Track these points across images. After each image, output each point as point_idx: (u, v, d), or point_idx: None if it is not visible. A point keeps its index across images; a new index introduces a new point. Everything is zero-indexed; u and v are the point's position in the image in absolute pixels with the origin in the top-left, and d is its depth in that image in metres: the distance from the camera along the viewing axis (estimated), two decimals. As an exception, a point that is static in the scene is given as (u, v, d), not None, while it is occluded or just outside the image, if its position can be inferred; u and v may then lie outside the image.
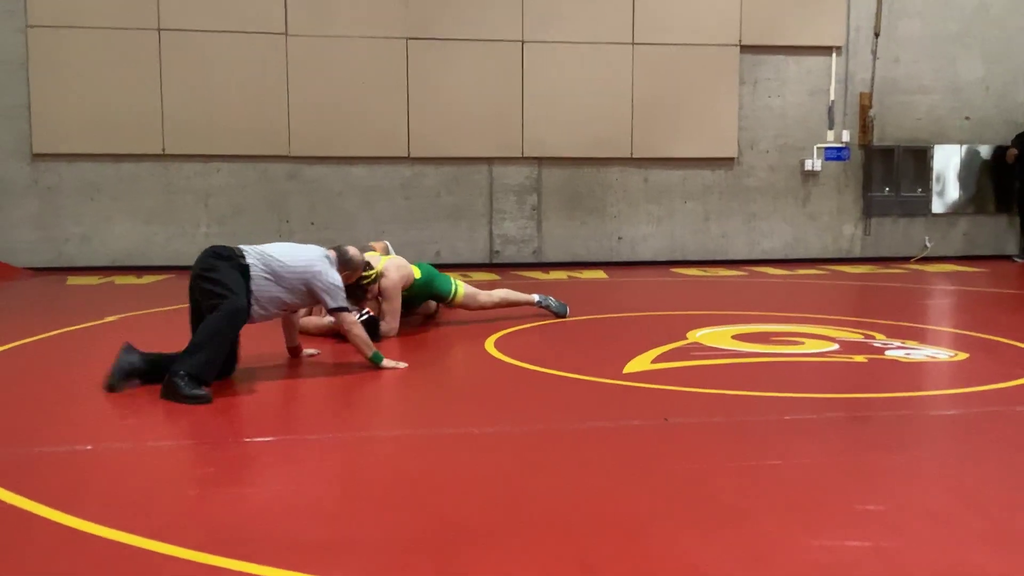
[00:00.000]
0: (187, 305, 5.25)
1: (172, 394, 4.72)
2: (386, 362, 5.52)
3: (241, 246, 5.30)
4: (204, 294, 5.03)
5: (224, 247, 5.24)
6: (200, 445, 4.02)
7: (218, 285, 5.00)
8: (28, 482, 3.43)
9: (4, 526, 3.03)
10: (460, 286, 7.27)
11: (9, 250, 11.96)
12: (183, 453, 3.89)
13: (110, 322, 7.56)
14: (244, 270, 5.13)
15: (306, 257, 5.35)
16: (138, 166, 12.23)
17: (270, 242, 5.57)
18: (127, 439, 4.08)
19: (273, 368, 5.74)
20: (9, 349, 6.27)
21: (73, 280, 10.98)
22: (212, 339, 4.88)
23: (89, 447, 3.94)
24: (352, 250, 5.72)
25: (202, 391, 4.72)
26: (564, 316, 7.65)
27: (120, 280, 11.00)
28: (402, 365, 5.57)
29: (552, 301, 7.73)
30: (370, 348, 5.51)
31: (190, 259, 12.83)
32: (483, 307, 7.42)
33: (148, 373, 5.01)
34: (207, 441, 4.10)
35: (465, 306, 7.32)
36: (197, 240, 12.33)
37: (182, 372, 4.75)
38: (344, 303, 5.42)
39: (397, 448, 4.10)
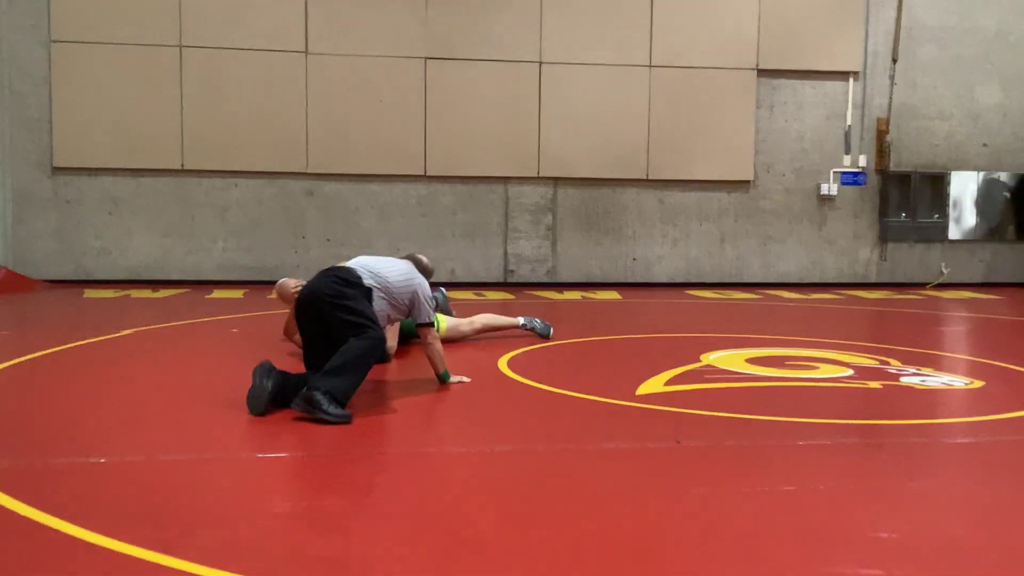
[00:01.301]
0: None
1: (313, 409, 4.58)
2: (452, 378, 5.56)
3: (348, 266, 5.20)
4: (341, 324, 4.91)
5: (344, 269, 5.15)
6: (213, 459, 4.03)
7: (358, 315, 4.93)
8: (42, 494, 3.44)
9: (18, 538, 3.04)
10: (441, 320, 7.12)
11: (28, 261, 12.06)
12: (196, 467, 3.90)
13: (126, 335, 7.60)
14: (368, 294, 5.09)
15: (403, 269, 5.34)
16: (157, 181, 12.32)
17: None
18: (140, 452, 4.09)
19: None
20: (25, 361, 6.31)
21: (90, 293, 11.04)
22: (356, 364, 4.77)
23: (103, 460, 3.95)
24: (425, 259, 5.72)
25: (345, 411, 4.64)
26: (548, 337, 7.61)
27: (137, 293, 11.06)
28: (466, 380, 5.60)
29: (537, 323, 7.69)
30: (443, 364, 5.52)
31: (207, 273, 12.96)
32: (466, 337, 7.38)
33: (280, 395, 4.84)
34: (220, 455, 4.11)
35: (449, 339, 7.18)
36: (214, 255, 12.42)
37: (324, 389, 4.62)
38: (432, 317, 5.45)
39: (406, 466, 4.10)
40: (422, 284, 5.37)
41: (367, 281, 5.12)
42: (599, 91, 12.91)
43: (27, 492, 3.44)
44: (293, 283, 6.70)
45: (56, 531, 3.07)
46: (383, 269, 5.24)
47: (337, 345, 4.90)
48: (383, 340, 4.98)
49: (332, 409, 4.59)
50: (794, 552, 2.99)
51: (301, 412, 4.63)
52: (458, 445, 4.30)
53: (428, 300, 5.37)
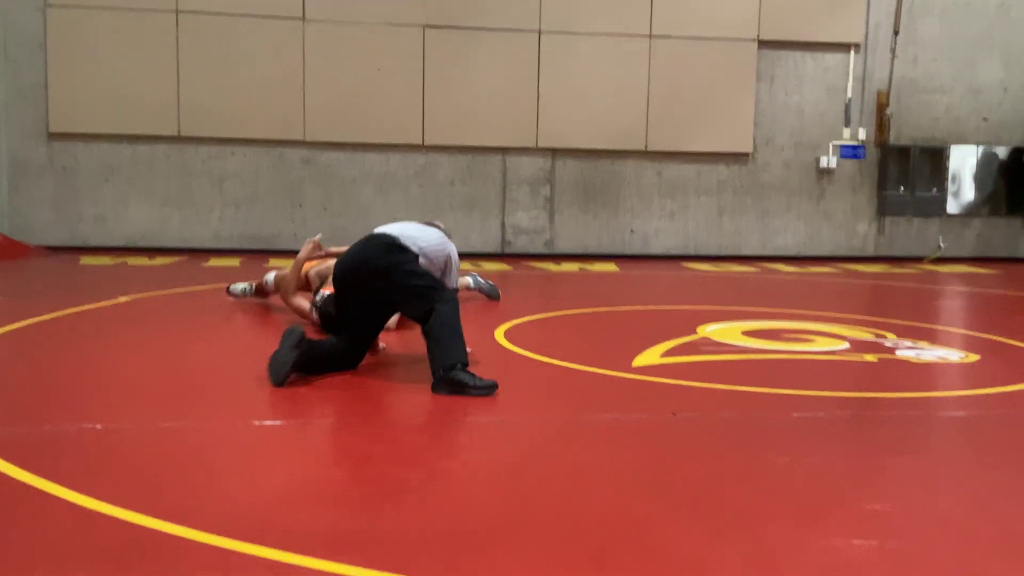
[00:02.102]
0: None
1: (462, 389, 4.57)
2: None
3: (388, 232, 5.11)
4: (406, 289, 4.84)
5: (388, 236, 5.06)
6: (211, 427, 4.04)
7: (422, 278, 4.89)
8: (41, 460, 3.46)
9: (16, 504, 3.05)
10: None
11: (25, 228, 12.03)
12: (193, 435, 3.91)
13: (123, 302, 7.60)
14: (415, 259, 5.03)
15: (436, 235, 5.26)
16: (154, 148, 12.27)
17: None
18: (137, 419, 4.11)
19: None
20: (22, 327, 6.31)
21: (87, 260, 11.03)
22: (457, 329, 4.75)
23: (99, 426, 3.96)
24: (443, 226, 5.66)
25: (489, 380, 4.63)
26: (496, 298, 7.63)
27: (133, 261, 11.05)
28: (469, 350, 5.46)
29: (484, 283, 7.74)
30: None
31: (204, 242, 12.94)
32: None
33: (304, 365, 4.82)
34: (218, 424, 4.12)
35: None
36: (211, 224, 12.39)
37: (458, 365, 4.62)
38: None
39: (404, 435, 4.12)
40: (454, 250, 5.33)
41: (412, 248, 5.05)
42: (599, 61, 12.83)
43: (26, 458, 3.45)
44: (310, 249, 6.56)
45: (56, 498, 3.09)
46: (419, 235, 5.17)
47: (384, 311, 4.91)
48: (455, 297, 4.92)
49: (479, 382, 4.60)
50: (787, 524, 3.01)
51: (447, 395, 4.58)
52: (455, 416, 4.32)
53: (457, 266, 5.35)
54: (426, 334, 4.76)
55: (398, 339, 6.20)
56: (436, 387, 4.65)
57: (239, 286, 7.44)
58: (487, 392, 4.59)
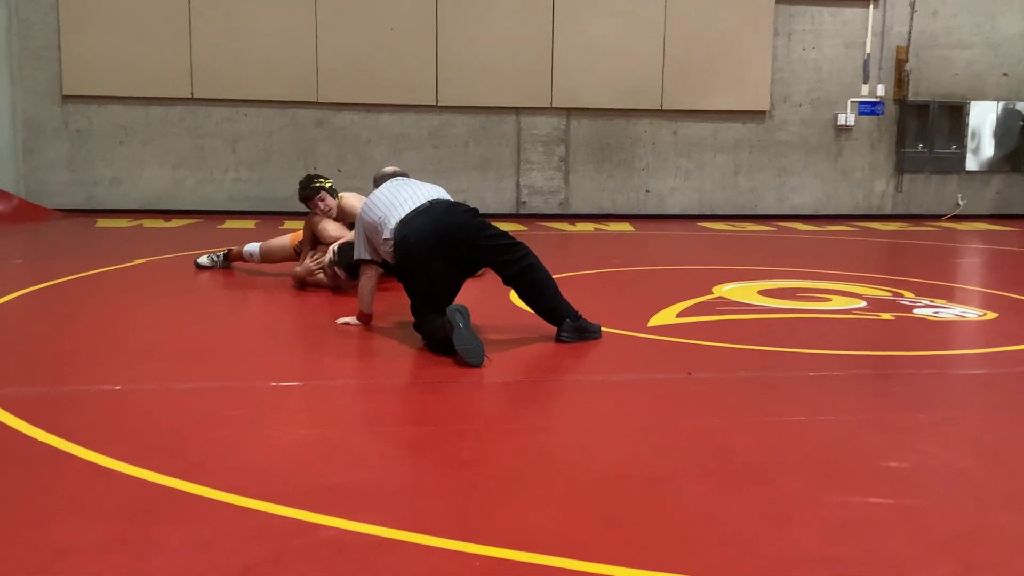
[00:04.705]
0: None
1: (588, 334, 4.97)
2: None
3: (444, 196, 5.07)
4: (498, 250, 4.90)
5: (456, 202, 5.05)
6: (227, 388, 4.07)
7: (506, 235, 4.99)
8: (59, 421, 3.49)
9: (36, 464, 3.09)
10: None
11: (41, 191, 12.07)
12: (210, 395, 3.93)
13: (139, 264, 7.63)
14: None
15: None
16: (168, 110, 12.25)
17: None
18: (154, 380, 4.13)
19: (303, 318, 5.78)
20: (41, 289, 6.35)
21: (103, 223, 11.07)
22: (554, 284, 5.01)
23: (118, 387, 3.99)
24: None
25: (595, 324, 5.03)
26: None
27: (149, 223, 11.08)
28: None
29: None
30: None
31: (218, 204, 12.96)
32: None
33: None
34: (234, 384, 4.14)
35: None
36: (225, 186, 12.40)
37: (579, 317, 4.96)
38: None
39: (419, 395, 4.13)
40: None
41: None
42: (613, 18, 12.68)
43: (44, 419, 3.48)
44: (332, 234, 6.64)
45: (75, 457, 3.12)
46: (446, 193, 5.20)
47: (466, 274, 4.98)
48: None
49: (594, 327, 5.01)
50: (803, 482, 3.01)
51: (573, 343, 4.90)
52: (473, 376, 4.33)
53: None
54: (530, 288, 4.95)
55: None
56: (566, 336, 4.91)
57: (204, 258, 7.38)
58: (599, 335, 5.00)
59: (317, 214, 6.78)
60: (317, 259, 6.57)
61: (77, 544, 2.48)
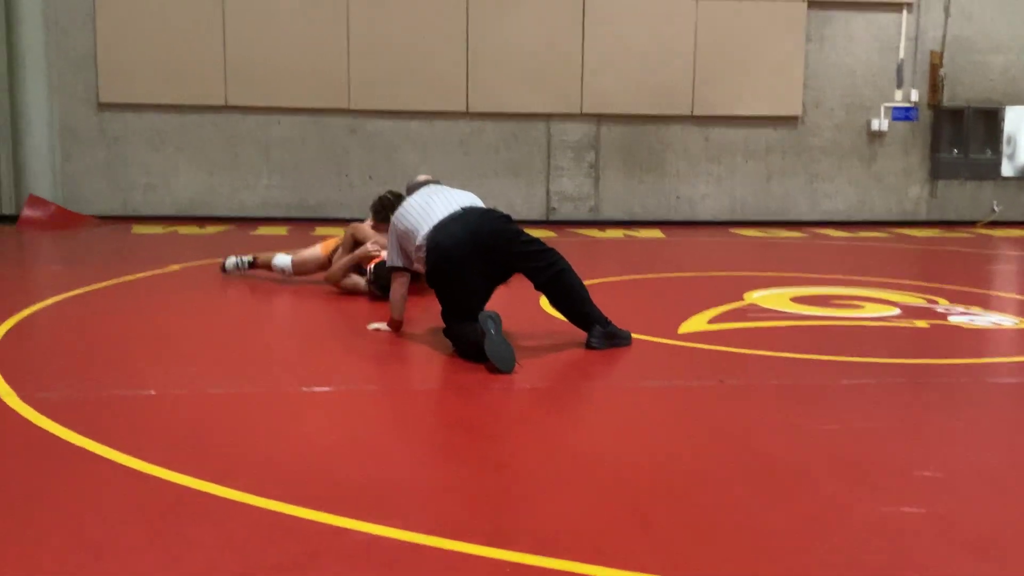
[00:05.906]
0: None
1: (618, 341, 4.99)
2: None
3: (477, 203, 5.07)
4: (531, 255, 4.92)
5: (489, 209, 5.08)
6: (259, 392, 4.10)
7: (536, 241, 5.02)
8: (95, 425, 3.54)
9: (71, 466, 3.13)
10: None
11: (79, 198, 12.23)
12: (242, 400, 3.97)
13: (174, 271, 7.71)
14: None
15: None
16: (202, 117, 12.37)
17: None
18: (188, 385, 4.18)
19: (334, 325, 5.81)
20: (77, 295, 6.43)
21: (138, 229, 11.20)
22: (587, 292, 5.04)
23: (152, 392, 4.04)
24: None
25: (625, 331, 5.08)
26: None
27: (184, 230, 11.19)
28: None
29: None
30: None
31: (253, 211, 13.04)
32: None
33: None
34: (266, 388, 4.18)
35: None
36: (259, 192, 12.50)
37: (609, 323, 4.99)
38: None
39: (450, 400, 4.14)
40: None
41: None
42: (644, 24, 12.66)
43: (80, 422, 3.53)
44: (372, 235, 6.65)
45: (109, 460, 3.16)
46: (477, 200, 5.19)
47: (498, 280, 4.97)
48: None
49: (625, 333, 5.05)
50: (835, 489, 2.99)
51: (603, 349, 4.91)
52: (502, 381, 4.33)
53: None
54: (561, 294, 4.97)
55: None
56: (596, 342, 4.92)
57: (232, 260, 7.39)
58: (629, 341, 5.03)
59: (373, 228, 6.68)
60: (358, 255, 6.55)
61: (112, 545, 2.51)
